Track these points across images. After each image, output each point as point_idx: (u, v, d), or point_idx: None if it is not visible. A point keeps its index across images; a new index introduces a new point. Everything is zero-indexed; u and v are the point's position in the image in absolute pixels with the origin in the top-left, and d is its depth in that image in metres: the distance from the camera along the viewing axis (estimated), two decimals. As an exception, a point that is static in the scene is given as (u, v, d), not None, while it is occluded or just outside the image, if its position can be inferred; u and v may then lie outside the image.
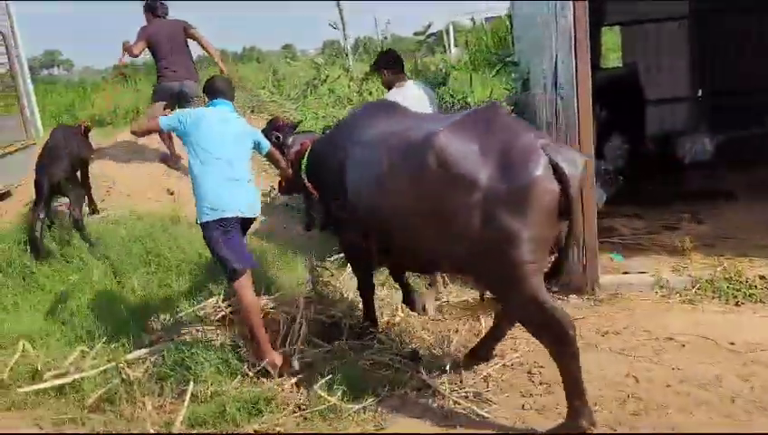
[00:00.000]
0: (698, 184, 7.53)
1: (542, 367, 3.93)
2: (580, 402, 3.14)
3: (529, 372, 3.90)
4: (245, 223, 4.15)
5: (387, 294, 4.99)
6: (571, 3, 4.56)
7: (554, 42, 5.20)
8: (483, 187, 3.02)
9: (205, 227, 3.98)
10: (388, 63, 5.05)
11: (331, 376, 3.78)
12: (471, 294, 4.96)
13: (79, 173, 6.05)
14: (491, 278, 3.27)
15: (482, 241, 3.07)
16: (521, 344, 4.23)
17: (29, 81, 11.08)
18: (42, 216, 5.55)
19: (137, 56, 7.03)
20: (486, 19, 24.09)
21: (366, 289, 4.40)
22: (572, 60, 4.61)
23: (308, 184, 4.36)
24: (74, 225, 5.68)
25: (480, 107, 3.56)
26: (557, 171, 2.98)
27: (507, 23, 16.48)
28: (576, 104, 4.66)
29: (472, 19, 23.75)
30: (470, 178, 3.05)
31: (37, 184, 5.66)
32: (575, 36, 4.56)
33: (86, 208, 6.13)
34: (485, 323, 4.56)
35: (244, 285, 3.98)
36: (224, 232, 3.95)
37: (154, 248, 5.48)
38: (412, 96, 4.80)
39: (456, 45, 23.91)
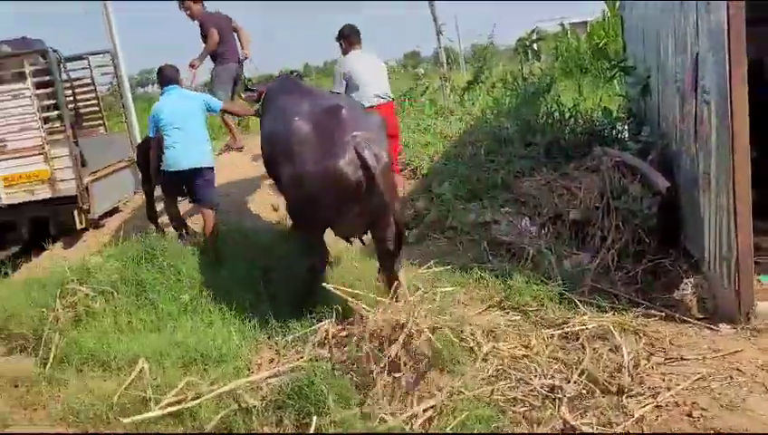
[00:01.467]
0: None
1: (704, 410, 3.45)
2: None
3: (690, 416, 3.42)
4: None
5: (512, 320, 4.63)
6: (724, -8, 4.03)
7: (697, 39, 4.70)
8: (310, 162, 4.32)
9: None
10: (345, 36, 6.21)
11: (465, 415, 3.43)
12: (609, 319, 4.50)
13: None
14: (294, 218, 4.92)
15: (304, 196, 4.46)
16: (674, 380, 3.75)
17: (130, 99, 11.46)
18: (149, 190, 6.43)
19: (218, 42, 7.40)
20: (572, 24, 23.26)
21: None
22: (726, 60, 4.09)
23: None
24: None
25: (328, 105, 4.60)
26: (362, 162, 4.16)
27: (609, 25, 15.79)
28: (729, 111, 4.13)
29: (561, 24, 22.99)
30: (304, 156, 4.37)
31: (139, 165, 6.62)
32: (729, 32, 4.04)
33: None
34: (626, 350, 4.10)
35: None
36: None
37: (263, 265, 5.34)
38: (363, 61, 6.15)
39: (540, 52, 23.15)
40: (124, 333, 4.85)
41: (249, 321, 4.82)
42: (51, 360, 4.68)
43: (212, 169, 5.92)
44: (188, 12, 7.46)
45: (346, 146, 4.22)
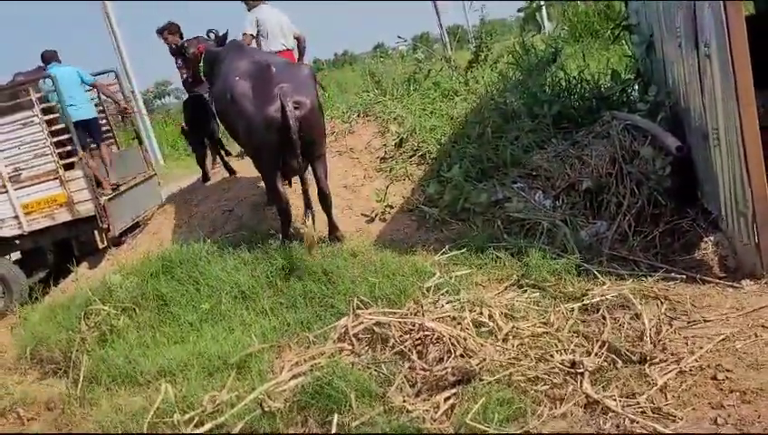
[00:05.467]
0: None
1: (729, 371, 3.37)
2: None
3: (714, 379, 3.35)
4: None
5: (531, 297, 4.59)
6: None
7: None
8: (251, 114, 5.54)
9: None
10: None
11: (483, 399, 3.41)
12: (629, 286, 4.43)
13: None
14: (253, 159, 6.19)
15: (248, 141, 5.94)
16: (697, 343, 3.68)
17: (144, 111, 11.42)
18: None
19: None
20: (578, -14, 22.70)
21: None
22: (722, 7, 3.95)
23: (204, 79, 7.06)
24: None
25: (259, 66, 5.78)
26: (284, 110, 5.28)
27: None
28: (730, 61, 4.00)
29: (570, -13, 22.46)
30: (245, 109, 5.59)
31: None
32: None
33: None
34: (647, 317, 4.03)
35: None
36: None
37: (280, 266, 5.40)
38: (272, 14, 7.25)
39: (549, 20, 22.73)
40: (149, 348, 4.92)
41: (269, 323, 4.85)
42: (81, 380, 4.79)
43: (95, 119, 7.81)
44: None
45: (274, 97, 5.33)
